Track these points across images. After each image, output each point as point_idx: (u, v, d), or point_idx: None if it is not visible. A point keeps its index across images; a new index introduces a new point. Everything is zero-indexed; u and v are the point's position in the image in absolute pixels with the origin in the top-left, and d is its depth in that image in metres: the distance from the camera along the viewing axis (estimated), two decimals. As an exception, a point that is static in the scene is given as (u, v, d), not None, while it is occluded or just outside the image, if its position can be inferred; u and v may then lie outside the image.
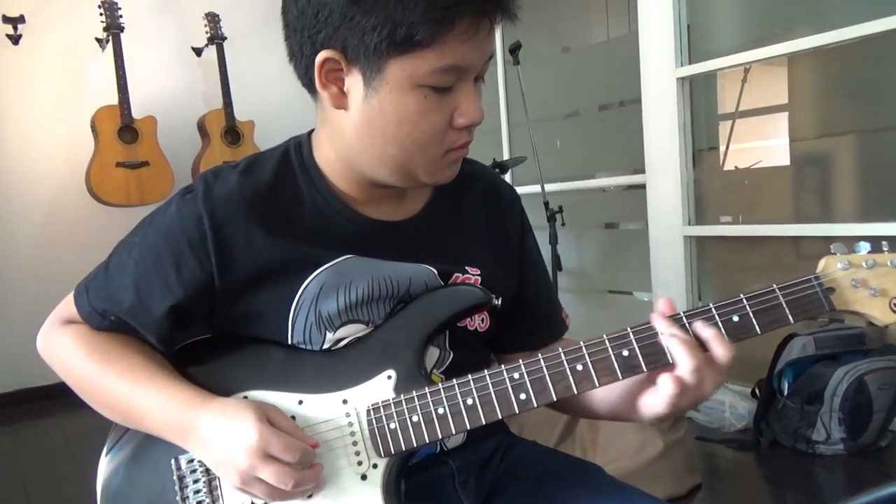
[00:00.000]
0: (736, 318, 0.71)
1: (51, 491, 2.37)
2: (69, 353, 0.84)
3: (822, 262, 0.72)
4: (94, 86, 3.62)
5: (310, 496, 0.76)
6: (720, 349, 0.70)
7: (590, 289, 3.70)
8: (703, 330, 0.71)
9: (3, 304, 3.39)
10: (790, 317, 0.70)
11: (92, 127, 3.44)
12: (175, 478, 0.80)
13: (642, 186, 2.99)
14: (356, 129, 0.78)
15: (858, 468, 2.12)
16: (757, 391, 2.48)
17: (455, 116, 0.76)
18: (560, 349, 0.74)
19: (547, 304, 0.99)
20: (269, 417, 0.74)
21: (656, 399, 0.73)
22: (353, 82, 0.76)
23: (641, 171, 2.98)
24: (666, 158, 2.82)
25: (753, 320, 0.70)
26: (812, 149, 2.78)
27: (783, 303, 0.70)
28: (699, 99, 2.85)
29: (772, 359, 2.33)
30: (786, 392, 2.29)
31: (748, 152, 3.04)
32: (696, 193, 2.84)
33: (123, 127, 3.45)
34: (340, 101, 0.78)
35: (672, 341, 0.70)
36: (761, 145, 3.07)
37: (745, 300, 0.71)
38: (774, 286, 0.71)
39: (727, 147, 2.99)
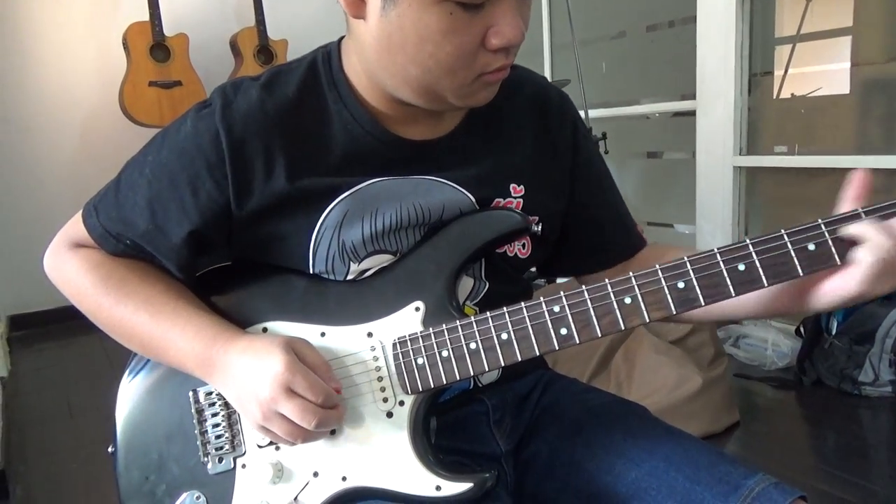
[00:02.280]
0: (812, 247, 0.62)
1: (92, 405, 2.44)
2: (82, 279, 0.79)
3: None
4: (125, 1, 3.53)
5: (332, 433, 0.72)
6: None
7: (629, 220, 3.58)
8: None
9: (42, 223, 3.40)
10: None
11: (124, 44, 3.37)
12: (193, 411, 0.77)
13: (689, 114, 2.84)
14: (376, 43, 0.69)
15: (905, 411, 2.05)
16: (802, 329, 2.39)
17: (489, 35, 0.65)
18: (606, 280, 0.66)
19: (617, 215, 0.90)
20: (297, 351, 0.69)
21: (847, 279, 0.62)
22: None
23: (690, 96, 2.83)
24: (720, 83, 2.66)
25: (832, 249, 0.61)
26: (878, 74, 2.58)
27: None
28: (757, 19, 2.65)
29: (821, 297, 2.23)
30: (834, 331, 2.20)
31: (806, 78, 2.84)
32: (748, 121, 2.68)
33: (155, 44, 3.38)
34: (358, 8, 0.68)
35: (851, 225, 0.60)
36: (821, 70, 2.86)
37: (823, 226, 0.62)
38: (860, 210, 0.62)
39: (785, 72, 2.80)
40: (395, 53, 0.68)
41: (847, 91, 2.64)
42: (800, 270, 0.62)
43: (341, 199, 0.74)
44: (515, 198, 0.80)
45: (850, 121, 2.66)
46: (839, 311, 2.21)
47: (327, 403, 0.68)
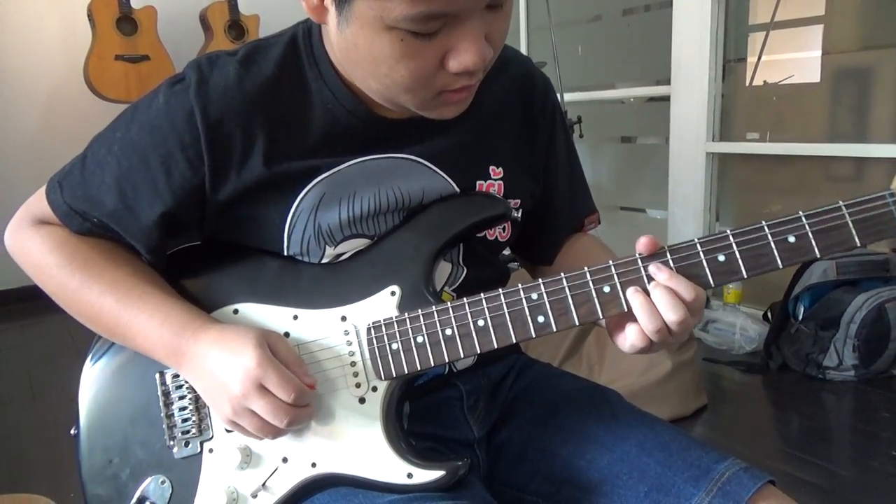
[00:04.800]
0: (792, 239, 0.61)
1: (55, 386, 2.39)
2: (45, 258, 0.75)
3: None
4: (91, -29, 3.42)
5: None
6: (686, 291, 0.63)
7: (601, 205, 3.57)
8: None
9: (2, 199, 3.33)
10: (857, 239, 0.60)
11: (89, 16, 3.27)
12: (160, 393, 0.75)
13: (664, 99, 2.84)
14: (339, 52, 0.68)
15: (867, 395, 2.10)
16: (770, 315, 2.43)
17: (447, 57, 0.62)
18: (586, 268, 0.65)
19: (569, 212, 0.90)
20: (270, 345, 0.67)
21: (625, 344, 0.67)
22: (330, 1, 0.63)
23: (664, 82, 2.83)
24: (694, 69, 2.67)
25: (812, 242, 0.61)
26: (849, 63, 2.61)
27: (849, 222, 0.60)
28: (732, 5, 2.66)
29: (789, 283, 2.27)
30: (801, 316, 2.24)
31: (778, 65, 2.86)
32: (721, 108, 2.70)
33: (122, 17, 3.28)
34: (320, 13, 0.65)
35: (635, 299, 0.64)
36: (793, 58, 2.89)
37: (804, 218, 0.61)
38: (840, 203, 0.61)
39: (758, 59, 2.82)
40: (355, 66, 0.67)
41: (818, 79, 2.67)
42: (779, 262, 0.62)
43: (318, 182, 0.72)
44: (495, 180, 0.79)
45: (821, 109, 2.69)
46: (806, 297, 2.25)
47: (299, 401, 0.66)
